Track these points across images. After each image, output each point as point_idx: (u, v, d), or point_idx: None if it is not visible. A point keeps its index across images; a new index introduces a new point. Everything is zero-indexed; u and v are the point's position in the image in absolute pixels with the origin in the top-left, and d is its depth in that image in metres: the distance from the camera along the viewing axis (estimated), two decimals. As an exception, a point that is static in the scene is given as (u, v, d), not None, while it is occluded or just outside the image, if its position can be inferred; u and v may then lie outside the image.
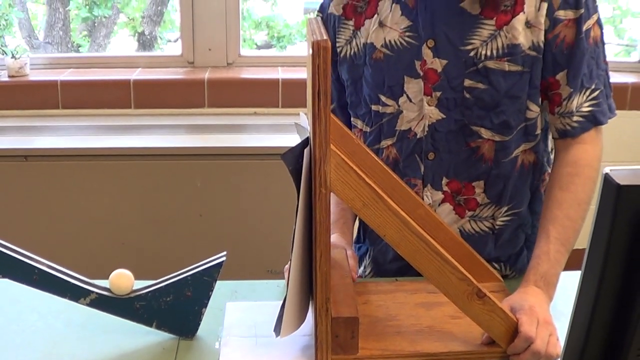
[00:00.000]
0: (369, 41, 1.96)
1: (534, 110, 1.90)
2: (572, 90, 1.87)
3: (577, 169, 1.88)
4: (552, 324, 1.68)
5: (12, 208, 3.53)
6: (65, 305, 1.67)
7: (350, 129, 2.08)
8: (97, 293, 1.64)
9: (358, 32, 1.99)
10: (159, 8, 5.58)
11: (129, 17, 5.79)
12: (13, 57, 3.88)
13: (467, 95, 1.88)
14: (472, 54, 1.86)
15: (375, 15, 1.96)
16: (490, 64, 1.85)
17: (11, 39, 5.31)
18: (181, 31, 4.13)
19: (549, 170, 2.01)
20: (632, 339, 1.08)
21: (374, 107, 1.98)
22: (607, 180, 0.99)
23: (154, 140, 3.62)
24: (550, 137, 2.01)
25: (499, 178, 1.94)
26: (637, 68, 4.28)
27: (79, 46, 5.65)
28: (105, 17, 5.56)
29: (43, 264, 1.62)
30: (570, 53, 1.84)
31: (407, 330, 1.74)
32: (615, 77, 4.08)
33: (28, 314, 1.82)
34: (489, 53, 1.84)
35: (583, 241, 1.09)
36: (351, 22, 2.00)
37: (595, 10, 1.87)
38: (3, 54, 3.95)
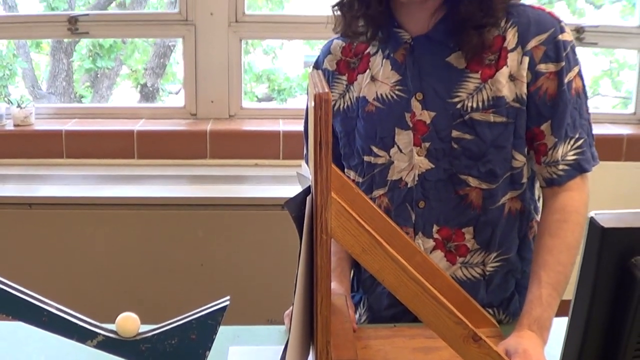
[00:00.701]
0: (361, 95, 2.04)
1: (519, 159, 1.96)
2: (556, 140, 1.92)
3: (565, 216, 1.93)
4: None
5: (16, 254, 3.55)
6: (71, 347, 1.68)
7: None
8: (104, 335, 1.67)
9: (351, 87, 2.07)
10: (162, 60, 5.64)
11: (131, 69, 5.84)
12: (19, 106, 3.93)
13: (455, 146, 1.94)
14: (458, 106, 1.93)
15: (368, 70, 2.04)
16: (476, 116, 1.92)
17: (14, 88, 5.35)
18: (184, 83, 4.18)
19: (537, 218, 2.07)
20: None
21: (366, 158, 2.05)
22: (593, 223, 1.04)
23: (157, 190, 3.66)
24: (537, 185, 2.06)
25: (487, 224, 2.00)
26: (633, 120, 4.34)
27: (82, 97, 5.70)
28: (108, 68, 5.62)
29: (52, 306, 1.65)
30: (553, 104, 1.90)
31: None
32: (611, 129, 4.14)
33: (36, 355, 1.85)
34: (474, 105, 1.92)
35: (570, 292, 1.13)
36: (344, 77, 2.09)
37: (577, 62, 1.94)
38: (9, 104, 4.00)
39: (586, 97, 1.98)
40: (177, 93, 5.96)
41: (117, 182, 3.74)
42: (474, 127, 1.92)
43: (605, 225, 1.02)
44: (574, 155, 1.94)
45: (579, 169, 1.95)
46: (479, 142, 1.92)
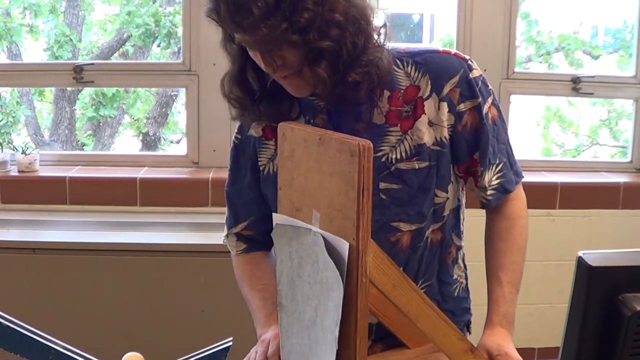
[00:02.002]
0: None
1: (441, 196, 2.06)
2: (482, 168, 2.05)
3: (512, 222, 2.14)
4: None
5: (20, 299, 3.56)
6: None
7: (270, 239, 2.17)
8: (109, 375, 1.71)
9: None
10: (164, 110, 5.67)
11: (133, 118, 5.87)
12: (23, 152, 3.97)
13: (384, 197, 2.01)
14: (383, 159, 2.00)
15: None
16: (402, 166, 1.99)
17: (16, 136, 5.37)
18: (187, 132, 4.24)
19: (455, 243, 2.18)
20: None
21: None
22: (581, 262, 1.08)
23: (159, 236, 3.70)
24: (461, 214, 2.18)
25: (415, 261, 2.08)
26: (630, 168, 4.40)
27: (84, 145, 5.72)
28: (110, 117, 5.64)
29: (58, 344, 1.68)
30: (477, 136, 2.02)
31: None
32: (608, 177, 4.19)
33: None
34: (398, 156, 1.99)
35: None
36: (272, 142, 2.12)
37: (489, 93, 2.05)
38: (14, 150, 4.04)
39: (502, 121, 2.10)
40: (178, 142, 5.99)
41: (120, 228, 3.78)
42: (401, 176, 2.00)
43: (593, 264, 1.06)
44: (497, 179, 2.09)
45: (503, 191, 2.11)
46: (406, 189, 2.01)
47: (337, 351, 1.62)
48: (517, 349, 2.00)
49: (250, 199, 2.19)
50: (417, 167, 1.99)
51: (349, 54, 1.85)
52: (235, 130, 2.20)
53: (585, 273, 1.07)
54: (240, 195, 2.21)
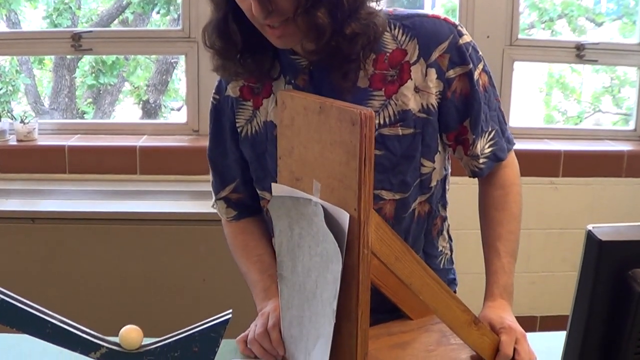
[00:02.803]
0: (268, 119, 2.02)
1: (427, 166, 2.01)
2: (474, 136, 2.01)
3: (506, 190, 2.10)
4: (525, 333, 1.89)
5: (19, 268, 3.56)
6: (76, 359, 1.70)
7: (259, 203, 2.17)
8: (107, 347, 1.68)
9: (257, 112, 2.05)
10: (164, 77, 5.65)
11: (134, 86, 5.85)
12: (22, 122, 3.95)
13: None
14: None
15: (272, 95, 2.02)
16: (385, 131, 1.94)
17: (16, 104, 5.36)
18: (187, 100, 4.22)
19: (441, 214, 2.16)
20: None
21: None
22: (590, 237, 1.05)
23: (159, 205, 3.69)
24: (446, 184, 2.15)
25: (400, 232, 2.01)
26: (633, 136, 4.37)
27: (84, 113, 5.70)
28: (110, 85, 5.63)
29: (55, 318, 1.66)
30: (468, 103, 1.98)
31: (403, 371, 1.83)
32: (611, 146, 4.17)
33: (39, 368, 1.86)
34: (382, 122, 1.93)
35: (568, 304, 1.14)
36: (249, 103, 2.07)
37: (480, 59, 2.01)
38: (13, 119, 4.01)
39: (493, 87, 2.06)
40: (178, 110, 5.97)
41: (119, 197, 3.77)
42: (384, 142, 1.94)
43: (603, 239, 1.03)
44: (489, 147, 2.06)
45: (495, 159, 2.07)
46: (389, 156, 1.95)
47: (338, 324, 1.60)
48: (519, 318, 1.99)
49: (234, 160, 2.15)
50: (401, 134, 1.94)
51: (349, 4, 1.80)
52: (213, 91, 2.15)
53: (595, 247, 1.04)
54: (224, 156, 2.16)
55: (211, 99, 2.15)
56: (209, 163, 2.22)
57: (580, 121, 6.11)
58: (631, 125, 4.44)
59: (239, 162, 2.14)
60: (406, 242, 1.98)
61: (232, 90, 2.10)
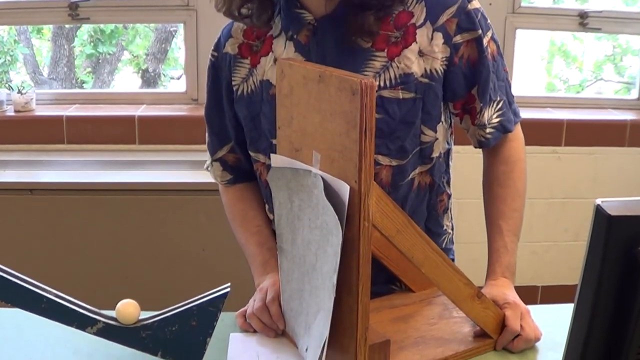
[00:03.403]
0: (265, 78, 1.99)
1: (428, 134, 1.97)
2: (482, 104, 1.99)
3: (511, 166, 2.07)
4: (528, 309, 1.88)
5: (17, 240, 3.55)
6: (72, 334, 1.68)
7: (250, 165, 2.15)
8: (103, 322, 1.66)
9: (254, 70, 2.02)
10: (163, 46, 5.62)
11: (133, 55, 5.82)
12: (19, 92, 3.92)
13: None
14: None
15: (271, 53, 1.99)
16: (385, 93, 1.90)
17: (15, 74, 5.34)
18: (185, 69, 4.19)
19: (447, 191, 2.12)
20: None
21: (274, 142, 1.97)
22: (599, 211, 1.02)
23: (158, 175, 3.67)
24: (450, 160, 2.12)
25: (397, 200, 1.93)
26: (636, 105, 4.33)
27: (83, 82, 5.68)
28: (109, 54, 5.60)
29: (51, 292, 1.64)
30: (477, 70, 1.95)
31: (406, 344, 1.80)
32: (614, 115, 4.14)
33: (36, 342, 1.84)
34: (382, 84, 1.89)
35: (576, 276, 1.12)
36: (247, 61, 2.03)
37: (488, 27, 1.97)
38: (10, 90, 3.98)
39: (501, 57, 2.03)
40: (178, 78, 5.94)
41: (118, 167, 3.75)
42: (383, 105, 1.90)
43: (612, 214, 1.01)
44: (497, 118, 2.03)
45: (502, 130, 2.04)
46: (388, 120, 1.91)
47: (338, 298, 1.58)
48: (520, 287, 2.00)
49: (230, 119, 2.12)
50: (401, 97, 1.90)
51: None
52: (212, 48, 2.12)
53: (604, 222, 1.01)
54: (221, 115, 2.13)
55: (209, 56, 2.12)
56: (205, 121, 2.19)
57: (582, 89, 6.07)
58: (633, 94, 4.41)
59: (233, 122, 2.11)
60: (405, 212, 1.97)
61: (230, 48, 2.07)
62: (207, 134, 2.21)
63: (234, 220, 2.24)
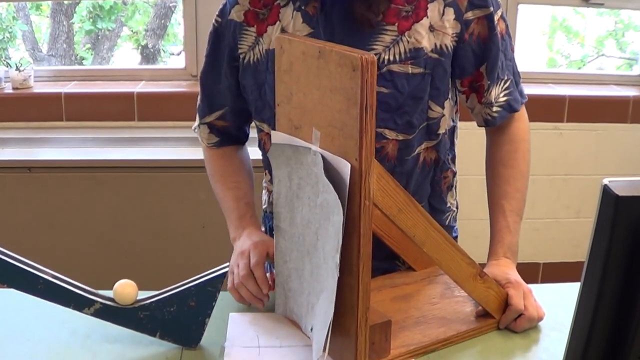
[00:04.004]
0: (271, 47, 1.96)
1: (436, 110, 1.97)
2: (490, 82, 1.99)
3: (515, 146, 2.06)
4: (530, 288, 1.87)
5: (15, 219, 3.54)
6: (69, 315, 1.67)
7: (243, 133, 2.17)
8: (101, 303, 1.65)
9: (260, 39, 1.99)
10: (163, 21, 5.59)
11: (132, 31, 5.80)
12: (17, 69, 3.89)
13: None
14: None
15: (278, 22, 1.96)
16: (394, 68, 1.89)
17: (14, 51, 5.32)
18: (185, 44, 4.16)
19: (451, 168, 2.12)
20: (631, 347, 1.08)
21: None
22: (606, 191, 1.00)
23: (158, 152, 3.65)
24: (455, 138, 2.12)
25: (402, 175, 1.99)
26: (639, 81, 4.30)
27: (83, 59, 5.66)
28: (108, 30, 5.58)
29: (47, 273, 1.62)
30: (486, 47, 1.94)
31: (407, 324, 1.80)
32: (616, 91, 4.11)
33: (33, 323, 1.83)
34: (392, 58, 1.88)
35: (583, 253, 1.10)
36: (253, 29, 2.01)
37: (499, 6, 1.97)
38: (7, 67, 3.96)
39: (509, 37, 2.03)
40: (178, 54, 5.92)
41: (117, 144, 3.72)
42: (392, 79, 1.89)
43: (620, 194, 0.99)
44: (504, 96, 2.02)
45: (509, 109, 2.04)
46: (396, 94, 1.90)
47: (339, 278, 1.56)
48: (521, 264, 1.99)
49: (227, 87, 2.10)
50: (410, 72, 1.89)
51: None
52: (216, 14, 2.09)
53: (611, 203, 0.99)
54: (217, 81, 2.11)
55: (213, 21, 2.09)
56: (199, 84, 2.18)
57: (584, 65, 6.05)
58: (635, 71, 4.39)
59: (232, 89, 2.10)
60: (408, 187, 1.98)
61: (236, 14, 2.03)
62: (199, 97, 2.20)
63: (213, 175, 2.24)
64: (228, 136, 2.20)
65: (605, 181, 1.01)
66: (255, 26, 2.00)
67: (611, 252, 1.02)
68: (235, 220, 2.08)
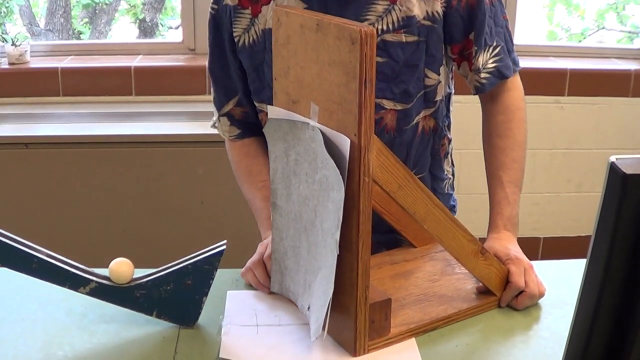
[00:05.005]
0: (267, 27, 1.95)
1: (432, 77, 1.97)
2: (477, 48, 1.98)
3: (509, 115, 2.05)
4: (532, 264, 1.85)
5: (12, 196, 3.52)
6: (65, 294, 1.66)
7: (257, 116, 2.12)
8: (96, 282, 1.62)
9: (256, 20, 1.98)
10: (160, -5, 5.57)
11: (130, 4, 5.78)
12: (13, 44, 3.87)
13: None
14: None
15: (272, 1, 1.95)
16: (388, 37, 1.90)
17: (12, 26, 5.30)
18: (182, 18, 4.13)
19: (448, 135, 2.13)
20: (639, 325, 1.07)
21: None
22: (613, 169, 0.98)
23: (155, 127, 3.62)
24: (450, 105, 2.13)
25: (402, 145, 2.00)
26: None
27: (80, 33, 5.63)
28: (106, 3, 5.55)
29: (42, 252, 1.60)
30: (473, 13, 1.94)
31: (408, 302, 1.78)
32: (618, 64, 4.08)
33: (28, 303, 1.81)
34: (385, 27, 1.89)
35: (589, 227, 1.08)
36: (248, 11, 2.00)
37: None
38: (3, 42, 3.93)
39: (501, 4, 2.03)
40: (176, 28, 5.89)
41: (115, 119, 3.70)
42: (387, 48, 1.90)
43: (627, 172, 0.96)
44: (493, 63, 2.01)
45: (499, 76, 2.03)
46: (391, 64, 1.92)
47: (338, 255, 1.53)
48: (522, 239, 1.97)
49: (235, 71, 2.09)
50: (404, 41, 1.90)
51: None
52: (212, 1, 2.08)
53: (618, 181, 0.97)
54: (226, 68, 2.10)
55: (209, 9, 2.08)
56: (210, 77, 2.16)
57: (584, 38, 6.03)
58: (636, 44, 4.37)
59: (239, 73, 2.09)
60: (409, 158, 1.99)
61: None
62: (212, 90, 2.18)
63: (240, 177, 2.22)
64: (249, 126, 2.17)
65: (612, 158, 0.98)
66: (249, 8, 1.99)
67: (618, 231, 1.00)
68: (265, 222, 2.04)
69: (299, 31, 1.57)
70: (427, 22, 1.91)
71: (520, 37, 4.53)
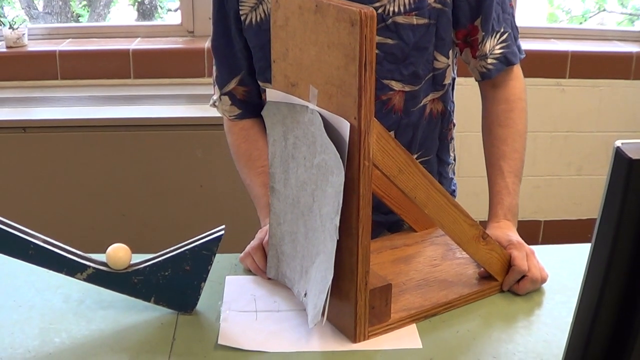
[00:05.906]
0: None
1: (441, 60, 1.98)
2: (484, 34, 1.98)
3: (511, 105, 2.05)
4: (533, 249, 1.84)
5: (10, 180, 3.50)
6: (62, 280, 1.64)
7: (260, 98, 2.11)
8: (94, 268, 1.61)
9: None
10: (159, -23, 5.55)
11: (128, -14, 5.76)
12: (11, 27, 3.85)
13: (377, 51, 1.87)
14: (380, 11, 1.88)
15: None
16: (399, 19, 1.89)
17: (10, 9, 5.28)
18: (181, 0, 4.10)
19: (453, 120, 2.14)
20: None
21: None
22: (619, 154, 0.96)
23: (154, 110, 3.61)
24: (454, 90, 2.13)
25: (409, 126, 2.00)
26: (641, 37, 4.26)
27: (79, 16, 5.62)
28: (105, -14, 5.53)
29: (39, 238, 1.58)
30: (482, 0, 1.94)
31: (408, 287, 1.77)
32: (619, 47, 4.07)
33: (25, 289, 1.80)
34: (396, 9, 1.88)
35: (593, 211, 1.06)
36: None
37: None
38: (1, 25, 3.91)
39: None
40: (175, 10, 5.87)
41: (113, 102, 3.68)
42: (397, 31, 1.90)
43: (633, 157, 0.95)
44: (500, 49, 2.02)
45: (505, 62, 2.03)
46: (402, 45, 1.91)
47: (338, 240, 1.52)
48: (523, 222, 1.98)
49: (240, 49, 2.07)
50: (415, 23, 1.90)
51: None
52: None
53: (623, 166, 0.95)
54: (230, 45, 2.08)
55: None
56: (213, 54, 2.14)
57: (585, 20, 6.01)
58: (637, 26, 4.35)
59: (243, 51, 2.07)
60: (415, 140, 1.99)
61: None
62: (214, 68, 2.16)
63: (239, 161, 2.20)
64: (250, 107, 2.15)
65: (618, 143, 0.96)
66: None
67: (623, 216, 0.99)
68: (264, 208, 2.02)
69: (297, 12, 1.55)
70: (438, 5, 1.90)
71: (521, 19, 4.51)
